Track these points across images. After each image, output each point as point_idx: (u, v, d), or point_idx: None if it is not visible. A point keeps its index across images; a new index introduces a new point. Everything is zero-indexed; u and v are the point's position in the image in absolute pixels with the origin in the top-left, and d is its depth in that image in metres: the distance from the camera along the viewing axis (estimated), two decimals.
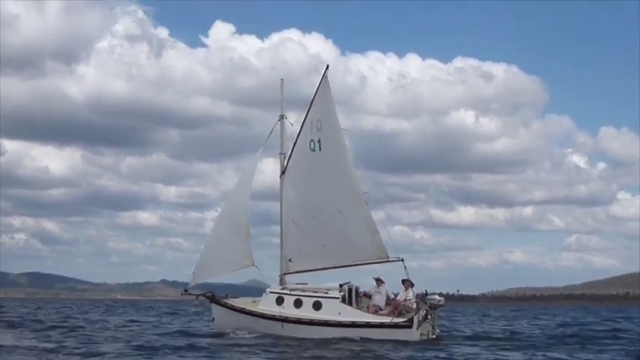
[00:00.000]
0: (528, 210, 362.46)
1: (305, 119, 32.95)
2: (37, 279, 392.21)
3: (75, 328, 36.94)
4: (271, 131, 33.79)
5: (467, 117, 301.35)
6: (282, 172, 33.36)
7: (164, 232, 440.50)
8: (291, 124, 33.53)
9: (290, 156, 33.30)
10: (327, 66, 33.24)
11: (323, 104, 32.75)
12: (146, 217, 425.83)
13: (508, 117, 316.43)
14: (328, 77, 32.82)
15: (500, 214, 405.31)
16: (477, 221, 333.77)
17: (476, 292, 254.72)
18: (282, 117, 33.69)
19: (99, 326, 39.88)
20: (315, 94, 32.95)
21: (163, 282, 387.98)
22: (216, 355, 25.30)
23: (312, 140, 32.76)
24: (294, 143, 33.16)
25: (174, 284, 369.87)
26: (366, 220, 32.33)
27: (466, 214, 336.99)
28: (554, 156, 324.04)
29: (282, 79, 34.24)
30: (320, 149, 32.68)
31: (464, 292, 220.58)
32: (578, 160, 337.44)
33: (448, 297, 32.50)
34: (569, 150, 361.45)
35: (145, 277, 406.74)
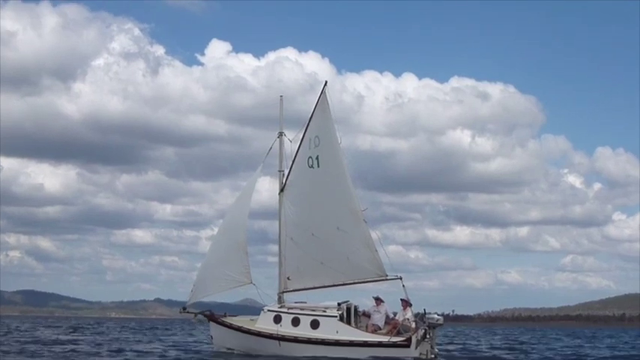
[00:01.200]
0: (524, 230, 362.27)
1: (304, 136, 32.77)
2: (32, 297, 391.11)
3: None
4: (270, 148, 33.65)
5: (463, 137, 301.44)
6: (281, 190, 33.12)
7: (159, 251, 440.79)
8: (290, 141, 33.36)
9: (289, 173, 33.10)
10: (326, 82, 33.18)
11: (321, 121, 32.57)
12: (141, 235, 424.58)
13: (504, 137, 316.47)
14: (327, 94, 32.70)
15: (495, 234, 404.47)
16: (472, 241, 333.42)
17: (471, 312, 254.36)
18: (281, 134, 33.50)
19: None
20: (313, 111, 32.79)
21: (158, 300, 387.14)
22: None
23: (310, 157, 32.57)
24: (293, 160, 32.98)
25: (168, 303, 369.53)
26: (364, 238, 32.04)
27: (462, 234, 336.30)
28: (550, 176, 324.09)
29: (281, 96, 34.18)
30: (318, 166, 32.47)
31: (459, 313, 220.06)
32: (574, 180, 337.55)
33: (443, 317, 31.98)
34: (566, 170, 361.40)
35: (139, 296, 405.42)
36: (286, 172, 33.19)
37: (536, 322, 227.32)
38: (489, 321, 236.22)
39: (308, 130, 32.67)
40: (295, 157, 32.94)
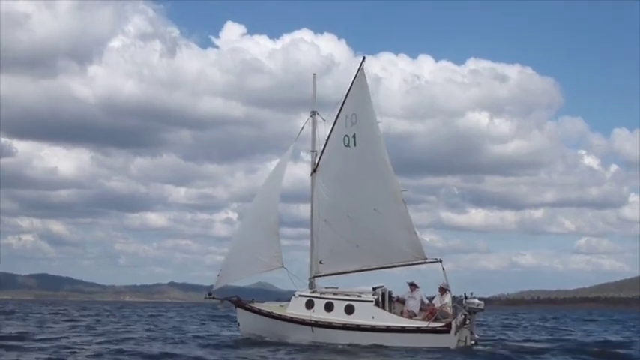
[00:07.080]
0: (539, 212, 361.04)
1: (339, 114, 31.55)
2: (46, 280, 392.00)
3: None
4: (302, 128, 32.64)
5: (481, 118, 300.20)
6: (314, 170, 31.96)
7: (173, 234, 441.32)
8: (324, 120, 32.21)
9: (322, 153, 31.89)
10: (364, 58, 32.01)
11: (359, 98, 31.32)
12: (155, 218, 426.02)
13: (522, 119, 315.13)
14: (364, 70, 31.47)
15: (510, 216, 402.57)
16: (487, 223, 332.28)
17: (486, 295, 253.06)
18: (313, 113, 32.31)
19: None
20: (350, 87, 31.56)
21: (172, 284, 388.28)
22: None
23: (346, 136, 31.34)
24: (327, 139, 31.76)
25: (183, 286, 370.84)
26: (403, 220, 30.90)
27: (477, 216, 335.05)
28: (567, 158, 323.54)
29: (314, 74, 33.06)
30: (355, 145, 31.26)
31: (477, 295, 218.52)
32: (591, 162, 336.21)
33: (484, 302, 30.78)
34: (583, 152, 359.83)
35: (153, 280, 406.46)
36: (319, 153, 31.99)
37: (556, 305, 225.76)
38: (508, 303, 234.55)
39: (344, 107, 31.44)
40: (330, 135, 31.75)
